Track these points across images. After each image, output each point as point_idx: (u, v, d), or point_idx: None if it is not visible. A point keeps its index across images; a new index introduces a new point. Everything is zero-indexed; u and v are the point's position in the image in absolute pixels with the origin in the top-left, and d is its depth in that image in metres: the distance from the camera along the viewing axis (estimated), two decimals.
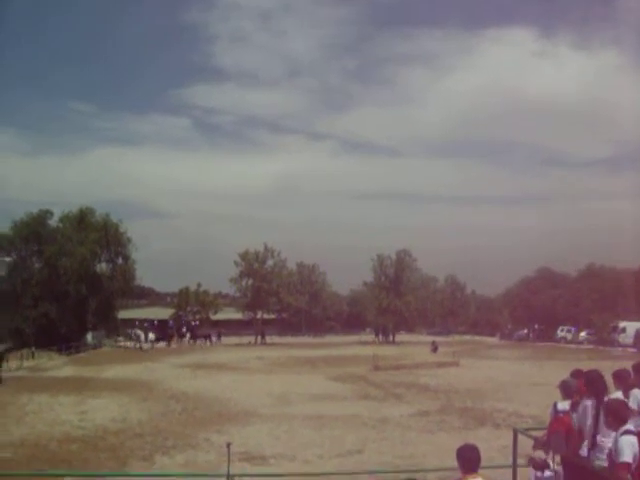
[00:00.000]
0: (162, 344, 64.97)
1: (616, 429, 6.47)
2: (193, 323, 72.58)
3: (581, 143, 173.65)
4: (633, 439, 6.31)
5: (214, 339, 72.02)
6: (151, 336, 63.02)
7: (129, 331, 66.92)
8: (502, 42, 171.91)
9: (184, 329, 71.45)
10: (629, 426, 6.46)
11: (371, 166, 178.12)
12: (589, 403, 7.45)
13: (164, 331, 70.92)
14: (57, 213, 65.96)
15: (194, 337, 70.38)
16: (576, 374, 8.55)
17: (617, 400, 7.01)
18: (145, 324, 72.33)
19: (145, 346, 59.25)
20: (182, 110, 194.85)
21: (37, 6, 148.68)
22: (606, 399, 7.10)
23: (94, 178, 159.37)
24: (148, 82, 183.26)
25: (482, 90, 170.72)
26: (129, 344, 62.58)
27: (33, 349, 48.77)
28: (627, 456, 6.20)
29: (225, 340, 76.21)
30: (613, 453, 6.44)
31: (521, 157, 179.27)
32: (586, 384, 7.71)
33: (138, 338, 60.46)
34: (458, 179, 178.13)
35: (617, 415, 6.52)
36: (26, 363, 42.99)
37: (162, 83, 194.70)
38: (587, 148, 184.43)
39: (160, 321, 78.58)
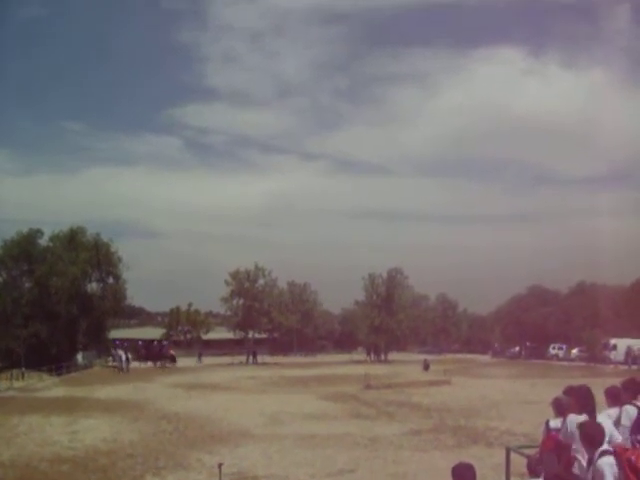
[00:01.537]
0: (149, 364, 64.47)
1: (592, 454, 6.46)
2: (164, 343, 70.21)
3: (571, 161, 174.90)
4: (611, 459, 6.31)
5: (198, 360, 71.40)
6: (126, 356, 61.41)
7: (112, 351, 66.27)
8: (491, 61, 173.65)
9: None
10: (605, 446, 6.46)
11: (362, 185, 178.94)
12: (574, 419, 7.46)
13: (150, 351, 69.96)
14: (51, 233, 65.92)
15: (155, 358, 67.80)
16: (569, 391, 8.55)
17: (592, 424, 6.98)
18: (125, 344, 71.39)
19: (124, 366, 58.22)
20: (174, 130, 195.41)
21: (31, 27, 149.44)
22: (581, 421, 7.10)
23: (87, 198, 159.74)
24: (141, 102, 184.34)
25: (472, 109, 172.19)
26: (116, 364, 61.97)
27: (23, 369, 48.44)
28: (608, 478, 6.20)
29: (216, 360, 75.91)
30: (594, 476, 6.41)
31: (512, 175, 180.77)
32: (575, 401, 7.72)
33: (120, 359, 59.65)
34: (449, 197, 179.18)
35: (593, 440, 6.51)
36: (16, 383, 42.78)
37: (155, 103, 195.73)
38: (577, 166, 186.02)
39: (144, 341, 77.66)
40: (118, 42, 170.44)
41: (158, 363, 66.14)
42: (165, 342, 69.88)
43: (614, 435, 7.01)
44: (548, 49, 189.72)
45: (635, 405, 7.70)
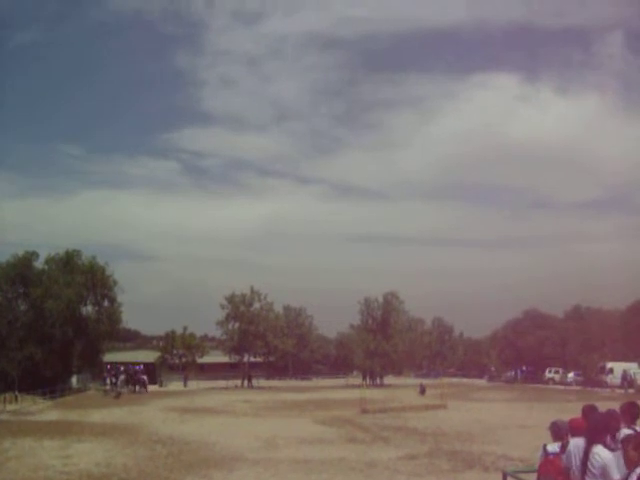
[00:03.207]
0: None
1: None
2: (137, 368, 68.08)
3: (567, 186, 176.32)
4: None
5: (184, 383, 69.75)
6: (116, 380, 60.37)
7: (104, 375, 65.37)
8: (487, 87, 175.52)
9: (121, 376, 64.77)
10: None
11: (359, 209, 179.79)
12: (577, 443, 7.43)
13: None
14: (46, 255, 65.76)
15: (132, 382, 64.49)
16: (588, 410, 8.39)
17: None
18: (107, 367, 70.12)
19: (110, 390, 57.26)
20: (170, 153, 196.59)
21: (28, 51, 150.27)
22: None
23: (83, 221, 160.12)
24: (137, 126, 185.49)
25: (468, 134, 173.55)
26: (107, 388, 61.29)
27: (16, 392, 48.15)
28: None
29: (211, 383, 75.60)
30: None
31: (508, 200, 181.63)
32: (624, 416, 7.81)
33: (110, 382, 58.73)
34: (445, 222, 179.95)
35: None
36: (9, 407, 42.47)
37: (151, 127, 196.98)
38: (573, 191, 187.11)
39: (111, 364, 75.36)
40: (115, 66, 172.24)
41: (129, 388, 63.15)
42: (137, 367, 67.74)
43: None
44: (542, 75, 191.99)
45: (634, 429, 7.68)
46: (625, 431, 7.62)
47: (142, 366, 71.64)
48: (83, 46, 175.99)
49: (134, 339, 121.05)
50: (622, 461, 6.68)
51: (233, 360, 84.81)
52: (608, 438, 7.39)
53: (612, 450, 6.99)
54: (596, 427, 7.27)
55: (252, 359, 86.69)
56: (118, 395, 54.62)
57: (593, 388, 62.48)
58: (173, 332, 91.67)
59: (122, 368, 63.26)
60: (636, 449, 6.45)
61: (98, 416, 36.84)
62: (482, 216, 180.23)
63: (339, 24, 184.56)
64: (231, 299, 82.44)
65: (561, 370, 78.84)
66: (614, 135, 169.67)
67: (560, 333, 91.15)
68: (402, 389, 64.19)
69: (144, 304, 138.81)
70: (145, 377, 66.91)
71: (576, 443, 7.44)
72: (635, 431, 7.59)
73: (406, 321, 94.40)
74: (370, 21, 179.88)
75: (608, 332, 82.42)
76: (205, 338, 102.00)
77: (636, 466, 6.40)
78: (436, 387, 53.13)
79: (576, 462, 7.30)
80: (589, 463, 6.99)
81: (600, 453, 6.94)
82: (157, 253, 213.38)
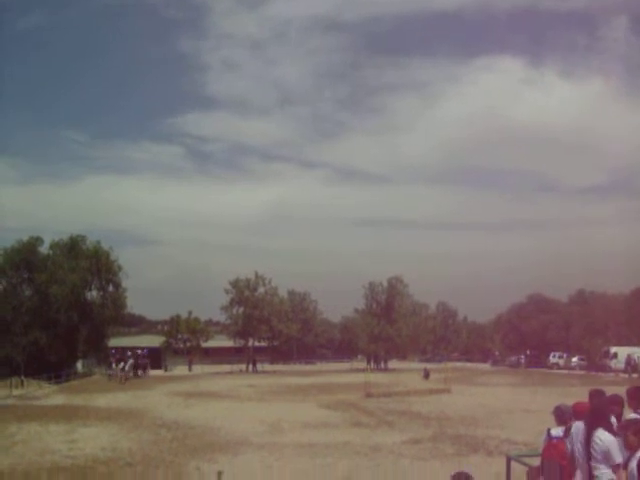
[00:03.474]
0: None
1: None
2: (139, 352, 67.15)
3: (571, 170, 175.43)
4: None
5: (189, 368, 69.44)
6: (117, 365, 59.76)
7: (110, 360, 65.03)
8: (491, 70, 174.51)
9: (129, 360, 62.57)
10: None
11: (363, 193, 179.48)
12: (579, 426, 7.43)
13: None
14: (51, 241, 65.88)
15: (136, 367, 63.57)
16: (595, 394, 8.37)
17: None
18: (112, 351, 69.19)
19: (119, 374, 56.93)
20: (174, 138, 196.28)
21: (31, 35, 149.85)
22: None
23: (87, 206, 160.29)
24: (141, 110, 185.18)
25: (472, 117, 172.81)
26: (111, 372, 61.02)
27: (22, 377, 48.37)
28: None
29: (216, 368, 75.80)
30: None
31: (512, 184, 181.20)
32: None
33: (118, 367, 58.41)
34: (450, 206, 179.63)
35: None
36: (15, 391, 42.68)
37: (154, 111, 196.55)
38: (577, 175, 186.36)
39: (117, 349, 74.47)
40: (118, 51, 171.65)
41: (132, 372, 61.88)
42: (139, 351, 66.69)
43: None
44: (547, 59, 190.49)
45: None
46: (632, 415, 7.63)
47: (146, 350, 71.59)
48: (85, 31, 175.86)
49: (139, 324, 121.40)
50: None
51: (238, 344, 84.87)
52: (612, 422, 7.40)
53: (614, 434, 7.00)
54: (597, 411, 7.28)
55: (256, 343, 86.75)
56: (126, 380, 54.55)
57: (597, 372, 62.57)
58: (178, 317, 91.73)
59: (130, 353, 63.09)
60: (636, 434, 6.47)
61: (103, 401, 36.97)
62: (486, 200, 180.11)
63: (343, 6, 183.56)
64: (235, 284, 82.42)
65: (565, 355, 78.87)
66: (618, 119, 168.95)
67: (564, 317, 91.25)
68: (406, 373, 64.31)
69: (149, 289, 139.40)
70: (147, 361, 66.99)
71: (578, 427, 7.46)
72: None
73: (410, 305, 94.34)
74: (374, 3, 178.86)
75: (612, 316, 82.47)
76: (210, 323, 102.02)
77: (636, 451, 6.42)
78: (440, 371, 53.22)
79: (578, 446, 7.32)
80: (591, 447, 7.01)
81: (602, 437, 6.96)
82: (161, 238, 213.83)
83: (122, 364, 57.96)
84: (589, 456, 7.06)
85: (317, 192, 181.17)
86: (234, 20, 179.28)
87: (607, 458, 6.86)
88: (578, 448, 7.29)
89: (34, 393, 42.94)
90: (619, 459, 6.76)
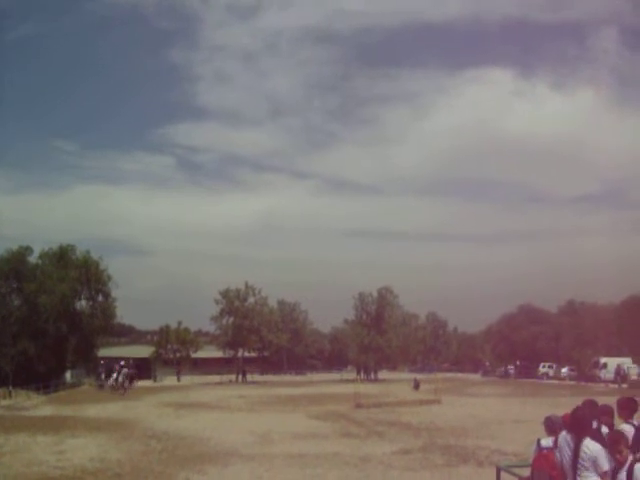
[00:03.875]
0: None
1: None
2: (121, 363, 65.86)
3: (561, 181, 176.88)
4: None
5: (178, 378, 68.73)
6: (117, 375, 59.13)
7: (99, 370, 64.61)
8: (481, 82, 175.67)
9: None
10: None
11: (353, 204, 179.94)
12: (566, 436, 7.45)
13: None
14: (41, 250, 65.56)
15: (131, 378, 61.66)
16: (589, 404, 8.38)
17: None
18: (101, 362, 68.93)
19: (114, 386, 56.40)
20: (165, 149, 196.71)
21: (23, 45, 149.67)
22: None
23: (77, 216, 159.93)
24: (132, 121, 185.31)
25: (463, 129, 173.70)
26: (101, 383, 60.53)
27: (10, 388, 48.05)
28: None
29: (206, 379, 75.55)
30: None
31: (502, 195, 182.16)
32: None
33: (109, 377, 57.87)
34: (440, 217, 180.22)
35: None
36: (3, 402, 42.43)
37: (146, 122, 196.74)
38: (568, 186, 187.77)
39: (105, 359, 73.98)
40: (110, 61, 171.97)
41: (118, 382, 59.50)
42: (122, 362, 65.34)
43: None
44: (538, 70, 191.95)
45: (632, 424, 7.72)
46: (623, 426, 7.67)
47: (131, 360, 70.90)
48: (76, 42, 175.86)
49: (128, 334, 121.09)
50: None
51: (227, 355, 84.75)
52: (603, 432, 7.44)
53: (602, 443, 7.03)
54: (580, 421, 7.31)
55: (246, 354, 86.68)
56: (125, 391, 53.69)
57: (587, 383, 62.64)
58: (167, 327, 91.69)
59: (122, 362, 62.52)
60: (625, 447, 6.53)
61: (92, 411, 36.77)
62: (476, 211, 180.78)
63: (334, 18, 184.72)
64: (225, 294, 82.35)
65: (555, 365, 78.99)
66: (609, 130, 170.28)
67: (554, 328, 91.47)
68: (396, 384, 64.28)
69: (138, 299, 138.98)
70: (134, 371, 66.35)
71: (564, 436, 7.48)
72: (633, 425, 7.64)
73: (400, 316, 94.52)
74: (365, 15, 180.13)
75: (602, 327, 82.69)
76: (199, 333, 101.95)
77: (624, 463, 6.48)
78: (430, 382, 53.22)
79: (565, 456, 7.35)
80: (579, 456, 7.06)
81: (589, 445, 7.02)
82: (152, 248, 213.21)
83: (115, 375, 57.42)
84: (577, 465, 7.10)
85: (308, 202, 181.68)
86: (225, 31, 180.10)
87: (595, 466, 6.92)
88: (566, 458, 7.32)
89: (22, 403, 42.65)
90: (606, 467, 6.82)
